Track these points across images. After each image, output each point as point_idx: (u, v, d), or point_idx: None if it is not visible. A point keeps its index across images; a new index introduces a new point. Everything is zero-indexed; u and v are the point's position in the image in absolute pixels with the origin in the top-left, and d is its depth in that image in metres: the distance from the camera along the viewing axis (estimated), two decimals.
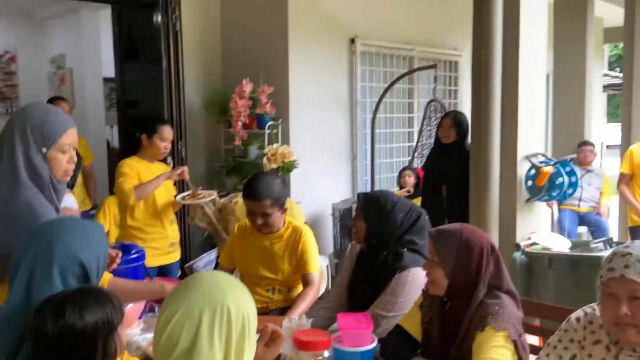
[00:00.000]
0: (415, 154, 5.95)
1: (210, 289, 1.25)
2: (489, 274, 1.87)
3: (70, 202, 3.07)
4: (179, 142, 4.66)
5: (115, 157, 4.90)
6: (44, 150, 1.81)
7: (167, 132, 3.55)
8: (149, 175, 3.50)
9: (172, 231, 3.67)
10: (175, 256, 3.70)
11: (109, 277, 1.96)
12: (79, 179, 4.49)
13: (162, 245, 3.58)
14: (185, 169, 3.59)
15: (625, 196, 5.10)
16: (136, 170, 3.49)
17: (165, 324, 1.21)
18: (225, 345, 1.21)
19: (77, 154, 4.45)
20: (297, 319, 1.93)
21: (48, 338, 1.30)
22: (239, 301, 1.26)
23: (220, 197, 3.97)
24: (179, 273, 3.88)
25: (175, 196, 3.64)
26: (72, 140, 1.89)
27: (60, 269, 1.46)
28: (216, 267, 3.16)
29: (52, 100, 4.53)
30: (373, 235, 2.42)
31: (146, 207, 3.52)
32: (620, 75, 12.64)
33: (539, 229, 3.75)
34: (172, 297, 1.26)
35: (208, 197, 3.68)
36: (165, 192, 3.59)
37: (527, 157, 3.57)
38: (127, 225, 3.52)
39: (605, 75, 11.66)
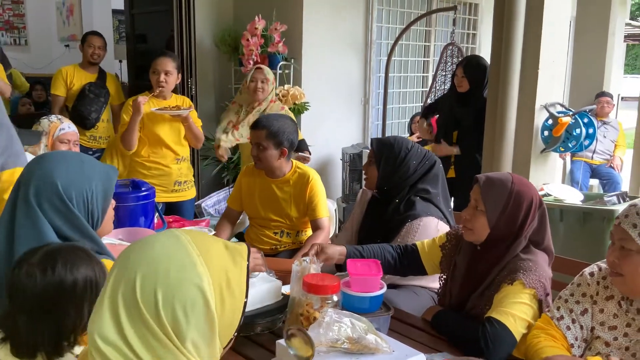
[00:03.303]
0: (429, 100, 5.83)
1: (140, 251, 0.94)
2: (532, 229, 1.83)
3: (74, 127, 2.99)
4: (189, 80, 4.57)
5: (125, 93, 4.82)
6: None
7: (159, 63, 3.38)
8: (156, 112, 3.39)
9: (178, 170, 3.54)
10: (183, 195, 3.63)
11: None
12: (107, 116, 4.45)
13: (163, 183, 3.47)
14: (138, 98, 3.30)
15: None
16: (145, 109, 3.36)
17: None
18: (117, 322, 0.89)
19: (107, 92, 4.41)
20: (307, 262, 1.91)
21: (32, 293, 1.17)
22: (153, 278, 0.90)
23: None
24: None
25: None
26: None
27: (35, 191, 1.41)
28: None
29: (86, 35, 4.44)
30: (385, 182, 2.39)
31: (149, 143, 3.45)
32: None
33: (552, 180, 3.71)
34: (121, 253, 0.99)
35: (184, 110, 3.41)
36: (169, 129, 3.47)
37: (545, 107, 3.48)
38: (131, 160, 3.49)
39: (627, 24, 11.28)
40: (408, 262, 2.10)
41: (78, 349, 1.24)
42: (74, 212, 1.44)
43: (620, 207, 3.28)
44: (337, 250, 2.05)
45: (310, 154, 3.81)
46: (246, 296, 0.99)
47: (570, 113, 3.49)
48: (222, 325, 0.95)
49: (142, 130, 3.40)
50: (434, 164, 2.38)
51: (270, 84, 3.69)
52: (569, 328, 1.65)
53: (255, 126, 2.78)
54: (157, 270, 0.90)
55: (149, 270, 0.90)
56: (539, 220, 1.83)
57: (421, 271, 2.12)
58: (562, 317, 1.66)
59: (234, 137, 3.72)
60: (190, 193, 3.69)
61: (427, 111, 4.37)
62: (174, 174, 3.53)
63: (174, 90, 3.63)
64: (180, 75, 3.53)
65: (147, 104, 3.38)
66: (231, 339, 0.99)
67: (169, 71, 3.41)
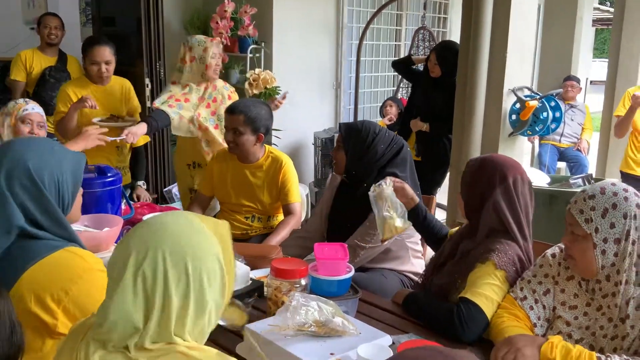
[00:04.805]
0: (401, 84, 5.85)
1: (155, 231, 1.03)
2: (498, 202, 1.85)
3: (40, 109, 2.93)
4: (157, 63, 4.50)
5: None
6: None
7: (98, 54, 3.24)
8: (94, 98, 3.24)
9: (117, 156, 3.48)
10: (124, 180, 3.51)
11: None
12: None
13: None
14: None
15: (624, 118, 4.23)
16: (76, 96, 3.28)
17: (110, 259, 1.07)
18: (145, 297, 1.00)
19: (68, 75, 4.26)
20: (385, 184, 2.06)
21: None
22: (180, 253, 1.01)
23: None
24: (148, 196, 3.85)
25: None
26: None
27: (6, 172, 1.40)
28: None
29: (41, 17, 4.31)
30: (353, 167, 2.39)
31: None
32: (611, 9, 12.43)
33: (521, 163, 3.73)
34: (126, 234, 1.08)
35: (125, 123, 3.28)
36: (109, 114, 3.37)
37: (513, 91, 3.52)
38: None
39: (596, 9, 11.46)
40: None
41: None
42: (46, 195, 1.42)
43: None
44: (412, 192, 2.20)
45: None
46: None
47: (538, 97, 3.54)
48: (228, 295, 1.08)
49: (80, 118, 3.27)
50: (401, 147, 2.39)
51: None
52: (532, 308, 1.69)
53: (232, 111, 2.76)
54: (183, 244, 1.01)
55: (174, 245, 1.01)
56: (504, 196, 1.85)
57: None
58: (525, 298, 1.70)
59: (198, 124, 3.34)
60: (127, 178, 3.62)
61: (405, 67, 4.38)
62: (113, 160, 3.45)
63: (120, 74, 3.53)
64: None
65: (79, 93, 3.28)
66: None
67: (109, 60, 3.29)
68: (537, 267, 1.75)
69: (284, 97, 3.48)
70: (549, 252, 1.77)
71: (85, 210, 2.21)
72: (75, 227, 2.00)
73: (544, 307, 1.69)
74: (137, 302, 0.99)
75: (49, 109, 4.13)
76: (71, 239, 1.48)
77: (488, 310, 1.71)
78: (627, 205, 1.53)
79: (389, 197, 2.06)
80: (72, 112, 3.21)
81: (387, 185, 2.08)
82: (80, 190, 1.59)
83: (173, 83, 3.39)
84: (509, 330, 1.63)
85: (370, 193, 2.07)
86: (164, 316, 1.00)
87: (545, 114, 3.53)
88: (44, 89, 4.13)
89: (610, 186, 1.57)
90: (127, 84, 3.53)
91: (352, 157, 2.38)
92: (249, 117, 2.72)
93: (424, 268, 2.47)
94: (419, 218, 2.19)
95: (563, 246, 1.74)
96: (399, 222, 2.05)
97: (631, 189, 1.57)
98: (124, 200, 2.60)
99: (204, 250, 1.03)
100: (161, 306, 1.00)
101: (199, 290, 1.01)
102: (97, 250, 2.10)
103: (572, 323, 1.64)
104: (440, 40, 5.96)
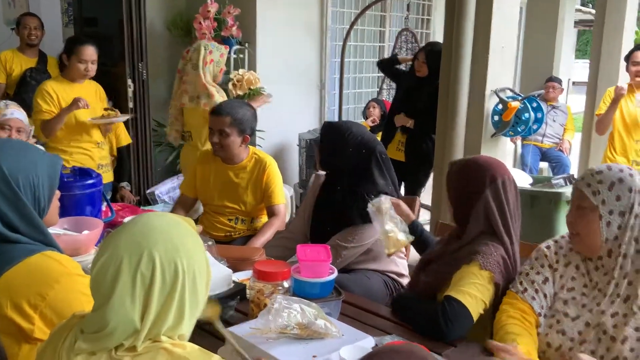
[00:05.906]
0: (384, 85, 5.87)
1: (145, 232, 1.04)
2: (488, 204, 1.85)
3: (20, 114, 2.92)
4: (140, 64, 4.46)
5: None
6: None
7: (87, 53, 3.36)
8: (71, 96, 3.32)
9: (99, 153, 3.55)
10: (105, 178, 3.50)
11: None
12: None
13: (86, 167, 3.32)
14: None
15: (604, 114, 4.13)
16: (56, 94, 3.34)
17: (93, 266, 1.06)
18: (144, 298, 1.02)
19: (48, 77, 4.24)
20: (381, 199, 2.09)
21: None
22: (173, 252, 1.04)
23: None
24: (132, 197, 3.88)
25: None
26: None
27: None
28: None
29: (20, 17, 4.26)
30: (325, 163, 2.44)
31: (68, 128, 3.38)
32: (592, 11, 12.54)
33: (504, 163, 3.78)
34: (107, 237, 1.09)
35: (120, 118, 3.56)
36: (89, 114, 3.43)
37: (495, 92, 3.54)
38: (48, 147, 3.38)
39: (578, 10, 11.57)
40: None
41: None
42: (21, 198, 1.40)
43: (567, 190, 3.38)
44: (408, 210, 2.24)
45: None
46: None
47: (520, 98, 3.56)
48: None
49: (68, 117, 3.34)
50: (370, 155, 2.35)
51: None
52: (533, 298, 1.72)
53: (218, 112, 2.73)
54: (175, 244, 1.04)
55: (167, 245, 1.03)
56: (493, 197, 1.85)
57: None
58: (525, 290, 1.74)
59: None
60: (109, 176, 3.66)
61: (390, 66, 4.38)
62: (95, 157, 3.52)
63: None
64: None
65: (59, 90, 3.36)
66: None
67: (95, 60, 3.42)
68: (533, 259, 1.79)
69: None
70: (543, 245, 1.82)
71: (65, 213, 2.18)
72: (54, 230, 1.98)
73: (545, 295, 1.72)
74: (135, 304, 1.01)
75: (30, 112, 4.08)
76: (48, 242, 1.46)
77: (472, 308, 1.71)
78: (632, 180, 1.62)
79: (388, 210, 2.10)
80: (63, 114, 3.29)
81: (385, 200, 2.11)
82: (57, 193, 1.57)
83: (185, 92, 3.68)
84: (508, 327, 1.65)
85: (369, 208, 2.12)
86: (161, 316, 1.02)
87: (527, 114, 3.55)
88: (25, 91, 4.08)
89: (616, 165, 1.66)
90: (100, 87, 3.62)
91: (324, 153, 2.42)
92: (236, 119, 2.69)
93: (407, 269, 2.48)
94: (416, 234, 2.20)
95: (558, 238, 1.79)
96: (401, 236, 2.09)
97: (635, 171, 1.66)
98: (105, 202, 2.57)
99: (193, 248, 1.07)
100: (159, 306, 1.02)
101: (192, 287, 1.05)
102: (76, 253, 2.07)
103: (569, 301, 1.68)
104: (423, 41, 5.98)
